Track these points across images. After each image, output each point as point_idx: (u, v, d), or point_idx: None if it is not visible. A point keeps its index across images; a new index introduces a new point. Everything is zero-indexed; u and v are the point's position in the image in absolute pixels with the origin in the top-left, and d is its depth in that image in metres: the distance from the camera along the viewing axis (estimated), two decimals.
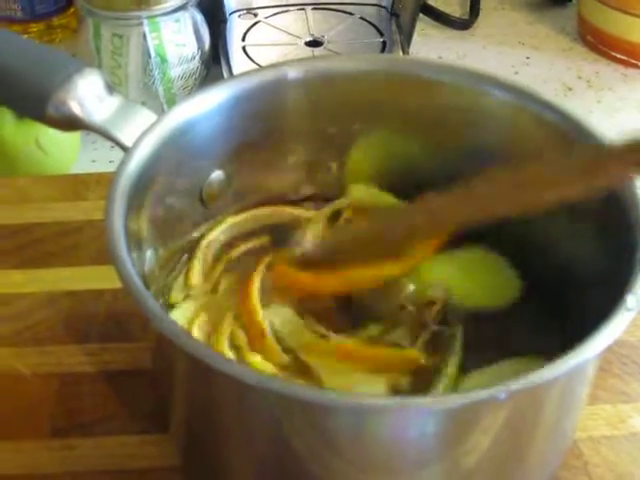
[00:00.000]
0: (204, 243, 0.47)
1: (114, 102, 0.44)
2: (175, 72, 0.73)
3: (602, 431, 0.48)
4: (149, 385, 0.47)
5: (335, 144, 0.48)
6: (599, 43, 0.84)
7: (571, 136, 0.44)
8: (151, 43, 0.71)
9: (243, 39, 0.78)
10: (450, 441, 0.37)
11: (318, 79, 0.46)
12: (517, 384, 0.35)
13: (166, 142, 0.43)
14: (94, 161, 0.69)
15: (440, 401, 0.36)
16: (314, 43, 0.77)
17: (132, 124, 0.43)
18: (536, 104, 0.45)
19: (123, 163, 0.41)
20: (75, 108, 0.43)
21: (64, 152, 0.68)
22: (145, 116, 0.43)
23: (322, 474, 0.39)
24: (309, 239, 0.46)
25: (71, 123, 0.43)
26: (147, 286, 0.43)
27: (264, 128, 0.47)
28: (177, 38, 0.73)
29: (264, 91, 0.45)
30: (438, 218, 0.41)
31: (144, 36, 0.71)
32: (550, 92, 0.79)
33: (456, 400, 0.36)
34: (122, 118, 0.43)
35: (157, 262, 0.45)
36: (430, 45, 0.85)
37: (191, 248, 0.48)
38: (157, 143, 0.42)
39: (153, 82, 0.73)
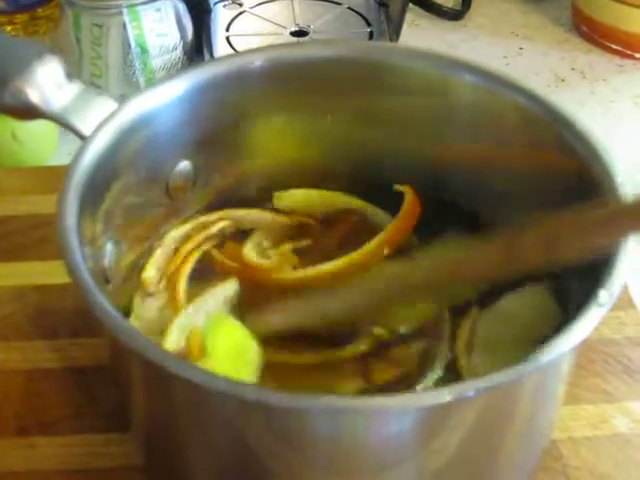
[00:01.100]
0: (166, 239, 0.46)
1: (73, 89, 0.42)
2: (156, 63, 0.71)
3: (583, 432, 0.47)
4: (114, 382, 0.46)
5: (302, 135, 0.46)
6: (594, 33, 0.82)
7: (545, 121, 0.42)
8: (131, 33, 0.70)
9: (227, 29, 0.76)
10: (420, 440, 0.36)
11: (283, 67, 0.44)
12: (486, 382, 0.34)
13: (127, 131, 0.42)
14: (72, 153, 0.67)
15: (409, 400, 0.35)
16: (300, 33, 0.75)
17: (92, 112, 0.41)
18: (508, 89, 0.43)
19: (79, 153, 0.40)
20: (32, 96, 0.41)
21: (41, 144, 0.66)
22: (106, 104, 0.42)
23: (285, 475, 0.37)
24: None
25: (28, 111, 0.41)
26: (107, 280, 0.43)
27: (232, 117, 0.45)
28: (158, 28, 0.71)
29: (230, 79, 0.44)
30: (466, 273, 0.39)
31: (124, 26, 0.70)
32: (542, 83, 0.78)
33: (425, 399, 0.34)
34: (81, 106, 0.42)
35: (120, 256, 0.43)
36: (420, 36, 0.83)
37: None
38: (117, 132, 0.41)
39: (134, 73, 0.71)
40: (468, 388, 0.34)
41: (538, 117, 0.42)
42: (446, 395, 0.33)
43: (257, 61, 0.43)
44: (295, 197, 0.48)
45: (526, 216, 0.44)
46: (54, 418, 0.47)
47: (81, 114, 0.41)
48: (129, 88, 0.72)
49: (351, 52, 0.44)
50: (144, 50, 0.70)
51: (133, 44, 0.70)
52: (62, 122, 0.41)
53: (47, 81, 0.42)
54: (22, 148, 0.65)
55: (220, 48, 0.74)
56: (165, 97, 0.43)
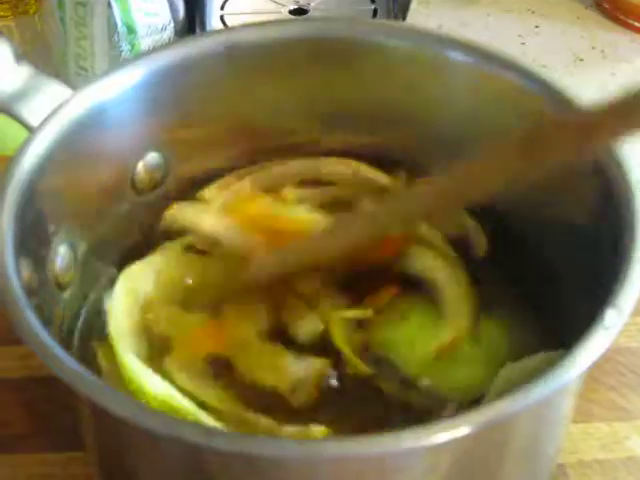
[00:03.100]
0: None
1: (22, 74, 0.38)
2: (145, 44, 0.67)
3: (594, 454, 0.42)
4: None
5: (279, 118, 0.42)
6: (616, 10, 0.77)
7: (536, 96, 0.37)
8: (117, 12, 0.66)
9: (222, 7, 0.72)
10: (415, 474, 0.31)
11: (249, 48, 0.39)
12: (481, 416, 0.29)
13: (82, 121, 0.37)
14: None
15: (399, 439, 0.30)
16: (299, 11, 0.71)
17: (41, 101, 0.37)
18: (496, 65, 0.38)
19: (23, 147, 0.35)
20: None
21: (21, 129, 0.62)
22: (58, 91, 0.38)
23: None
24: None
25: None
26: (61, 287, 0.39)
27: (202, 103, 0.41)
28: (147, 7, 0.67)
29: (191, 63, 0.39)
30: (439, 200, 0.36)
31: (109, 4, 0.65)
32: (559, 63, 0.72)
33: (419, 437, 0.29)
34: (30, 94, 0.37)
35: (76, 259, 0.39)
36: (430, 13, 0.78)
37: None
38: (69, 123, 0.37)
39: (121, 54, 0.67)
40: (463, 424, 0.29)
41: (536, 98, 0.37)
42: (437, 434, 0.29)
43: (215, 43, 0.39)
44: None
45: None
46: (12, 435, 0.43)
47: (29, 102, 0.37)
48: None
49: (326, 30, 0.40)
50: (131, 30, 0.66)
51: (119, 24, 0.66)
52: (7, 111, 0.37)
53: None
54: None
55: (214, 28, 0.70)
56: (122, 84, 0.38)
